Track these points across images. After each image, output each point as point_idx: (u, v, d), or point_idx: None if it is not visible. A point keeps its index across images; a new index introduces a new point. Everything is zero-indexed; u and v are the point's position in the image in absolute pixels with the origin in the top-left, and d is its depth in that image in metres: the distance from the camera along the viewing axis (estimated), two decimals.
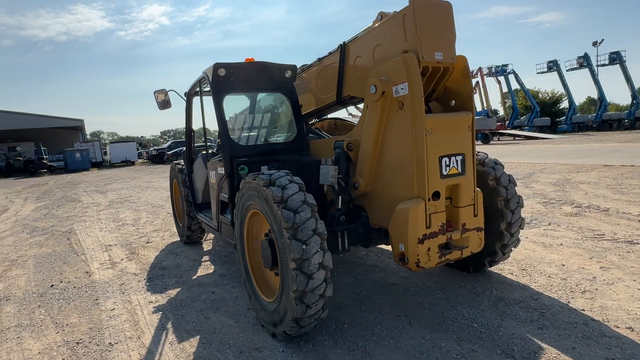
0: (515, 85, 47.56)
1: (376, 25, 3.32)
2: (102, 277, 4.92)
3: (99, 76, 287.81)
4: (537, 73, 47.89)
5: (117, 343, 3.25)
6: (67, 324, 3.65)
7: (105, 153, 42.38)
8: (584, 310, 3.26)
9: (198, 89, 4.62)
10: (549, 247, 4.87)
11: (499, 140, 34.98)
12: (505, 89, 48.14)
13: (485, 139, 32.53)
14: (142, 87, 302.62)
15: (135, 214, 9.38)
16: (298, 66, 4.56)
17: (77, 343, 3.29)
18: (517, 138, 35.35)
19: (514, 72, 46.45)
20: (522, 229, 3.87)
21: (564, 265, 4.25)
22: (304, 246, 2.67)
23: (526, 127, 44.44)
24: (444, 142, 2.96)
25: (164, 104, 5.07)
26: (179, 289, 4.35)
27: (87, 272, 5.13)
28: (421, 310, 3.46)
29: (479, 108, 43.47)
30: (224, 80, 4.01)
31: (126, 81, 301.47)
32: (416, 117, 2.84)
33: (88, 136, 62.68)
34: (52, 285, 4.71)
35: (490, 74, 47.02)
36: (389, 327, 3.20)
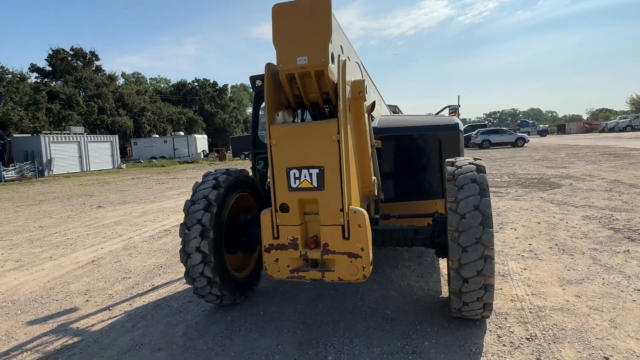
0: None
1: None
2: None
3: (438, 62, 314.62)
4: None
5: (154, 283, 4.84)
6: (152, 264, 5.60)
7: None
8: None
9: None
10: None
11: None
12: None
13: None
14: (479, 68, 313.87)
15: None
16: None
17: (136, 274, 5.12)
18: None
19: None
20: (491, 275, 2.74)
21: (606, 357, 2.63)
22: (186, 230, 3.30)
23: None
24: (293, 153, 2.75)
25: None
26: None
27: None
28: (326, 328, 3.22)
29: None
30: (262, 89, 4.76)
31: (458, 64, 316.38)
32: (267, 127, 2.83)
33: None
34: None
35: None
36: (277, 329, 3.26)
